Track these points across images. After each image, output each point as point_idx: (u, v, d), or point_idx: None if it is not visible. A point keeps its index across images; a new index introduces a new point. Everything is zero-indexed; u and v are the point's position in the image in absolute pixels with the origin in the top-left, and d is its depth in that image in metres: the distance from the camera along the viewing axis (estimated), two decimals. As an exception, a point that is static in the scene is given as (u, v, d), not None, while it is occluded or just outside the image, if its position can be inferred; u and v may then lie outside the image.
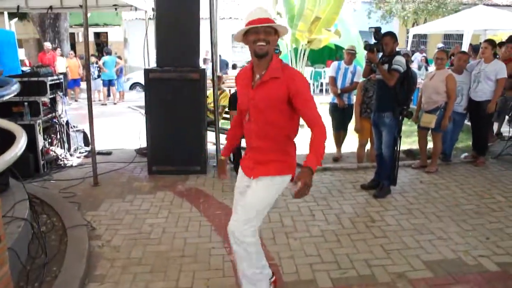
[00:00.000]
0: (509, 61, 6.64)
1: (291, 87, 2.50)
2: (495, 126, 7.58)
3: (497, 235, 4.03)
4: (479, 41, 16.46)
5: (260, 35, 2.48)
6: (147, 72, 5.62)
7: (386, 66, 4.73)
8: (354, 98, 6.40)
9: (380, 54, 4.91)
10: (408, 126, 7.55)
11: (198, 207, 4.64)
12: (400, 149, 6.61)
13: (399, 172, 5.38)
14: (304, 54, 9.29)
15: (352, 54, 6.47)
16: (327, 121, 6.69)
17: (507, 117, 7.16)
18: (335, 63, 6.72)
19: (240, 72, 2.83)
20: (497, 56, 6.37)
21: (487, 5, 16.80)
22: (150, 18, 7.70)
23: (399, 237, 3.96)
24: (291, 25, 9.40)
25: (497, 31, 13.48)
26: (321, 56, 15.96)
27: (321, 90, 16.01)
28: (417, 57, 14.56)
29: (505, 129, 7.69)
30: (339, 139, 6.74)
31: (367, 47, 4.79)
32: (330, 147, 6.79)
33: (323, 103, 7.79)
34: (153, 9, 7.72)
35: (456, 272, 3.37)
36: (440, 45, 19.54)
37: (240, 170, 2.90)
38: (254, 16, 2.51)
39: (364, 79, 5.78)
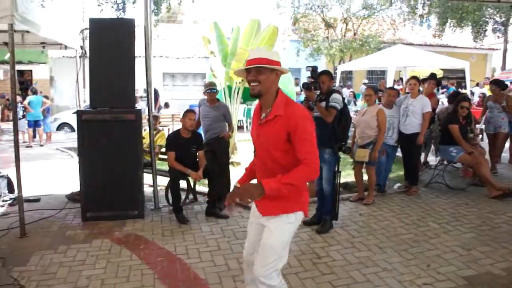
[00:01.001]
0: (431, 96, 7.11)
1: (290, 124, 2.50)
2: (422, 156, 8.00)
3: (436, 261, 4.18)
4: (399, 77, 17.64)
5: (251, 75, 2.55)
6: (79, 113, 5.38)
7: (323, 104, 4.87)
8: None
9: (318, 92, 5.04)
10: (342, 160, 7.75)
11: (138, 255, 4.40)
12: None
13: (339, 206, 5.47)
14: (238, 92, 9.37)
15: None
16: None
17: (432, 146, 7.58)
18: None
19: (254, 109, 2.85)
20: (420, 91, 6.79)
21: (404, 43, 18.06)
22: (80, 56, 7.46)
23: (346, 272, 3.98)
24: (225, 63, 9.48)
25: (415, 67, 14.50)
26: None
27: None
28: (345, 92, 15.22)
29: (431, 158, 8.15)
30: None
31: (305, 85, 4.91)
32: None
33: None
34: (82, 47, 7.52)
35: (404, 303, 3.44)
36: (365, 81, 20.71)
37: (253, 204, 2.86)
38: (251, 56, 2.58)
39: None
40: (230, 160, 8.72)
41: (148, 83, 5.82)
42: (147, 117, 6.33)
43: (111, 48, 5.32)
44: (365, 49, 20.31)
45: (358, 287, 3.70)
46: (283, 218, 2.62)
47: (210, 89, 6.16)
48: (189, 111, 5.82)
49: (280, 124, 2.53)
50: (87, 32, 6.79)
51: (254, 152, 2.84)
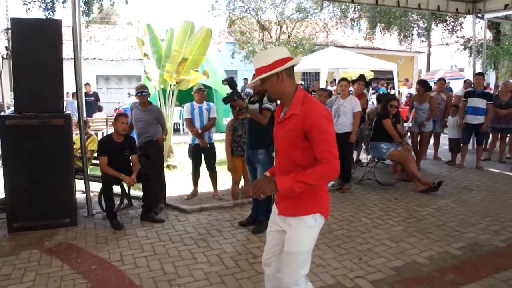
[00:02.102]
0: (361, 96, 7.40)
1: (306, 122, 2.44)
2: (355, 154, 8.31)
3: (367, 255, 4.36)
4: (333, 78, 18.20)
5: (261, 86, 2.59)
6: (3, 118, 5.09)
7: (257, 105, 4.92)
8: (214, 136, 6.59)
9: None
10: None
11: (70, 264, 4.23)
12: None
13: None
14: (172, 94, 9.28)
15: (201, 93, 6.64)
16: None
17: (363, 145, 7.89)
18: (188, 104, 6.80)
19: (276, 108, 2.80)
20: (350, 92, 7.05)
21: (336, 46, 18.66)
22: (4, 57, 7.08)
23: (281, 269, 4.05)
24: (159, 66, 9.36)
25: (347, 69, 15.04)
26: (190, 96, 16.07)
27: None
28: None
29: (363, 156, 8.48)
30: (197, 180, 6.85)
31: (226, 100, 4.87)
32: (188, 186, 6.89)
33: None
34: (6, 48, 7.14)
35: (336, 296, 3.55)
36: (301, 82, 21.13)
37: (274, 205, 2.84)
38: (254, 65, 2.57)
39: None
40: (166, 164, 8.63)
41: (78, 87, 5.62)
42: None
43: (36, 49, 5.07)
44: (299, 51, 20.78)
45: (293, 283, 3.77)
46: (300, 223, 2.55)
47: (141, 92, 6.05)
48: (121, 115, 5.69)
49: (296, 122, 2.48)
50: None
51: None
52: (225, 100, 4.85)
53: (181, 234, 5.02)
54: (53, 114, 5.20)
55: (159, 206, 5.87)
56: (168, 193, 6.53)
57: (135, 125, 6.14)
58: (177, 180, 7.67)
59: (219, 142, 7.61)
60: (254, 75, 2.64)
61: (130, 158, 5.66)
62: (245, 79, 16.63)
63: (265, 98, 4.89)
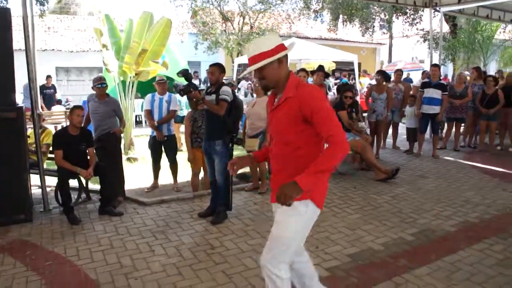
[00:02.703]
0: (320, 86, 7.48)
1: (305, 107, 2.41)
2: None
3: (324, 243, 4.44)
4: (295, 69, 18.28)
5: (255, 75, 2.53)
6: (-51, 112, 4.90)
7: (213, 96, 4.91)
8: (174, 128, 6.55)
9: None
10: (239, 151, 7.91)
11: (23, 261, 4.11)
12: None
13: (234, 196, 5.58)
14: (132, 86, 9.13)
15: (163, 84, 6.60)
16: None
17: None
18: (149, 95, 6.77)
19: (268, 97, 2.74)
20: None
21: (299, 37, 18.76)
22: None
23: (239, 260, 4.08)
24: (118, 57, 9.18)
25: (310, 60, 15.15)
26: (151, 87, 15.86)
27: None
28: (244, 85, 15.44)
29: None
30: (157, 172, 6.81)
31: (182, 92, 4.89)
32: (149, 178, 6.84)
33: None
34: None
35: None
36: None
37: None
38: (247, 54, 2.50)
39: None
40: (127, 156, 8.54)
41: (30, 79, 5.46)
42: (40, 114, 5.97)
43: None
44: (262, 43, 20.73)
45: (251, 273, 3.81)
46: (289, 208, 2.44)
47: (100, 83, 5.95)
48: (76, 107, 5.58)
49: (291, 105, 2.45)
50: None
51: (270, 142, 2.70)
52: (181, 92, 4.83)
53: (140, 227, 4.98)
54: (5, 107, 5.04)
55: (118, 199, 5.80)
56: (128, 186, 6.47)
57: (92, 118, 6.02)
58: (138, 173, 7.59)
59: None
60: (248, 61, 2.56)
61: (87, 151, 5.55)
62: (196, 72, 16.31)
63: (222, 89, 4.89)
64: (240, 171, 7.42)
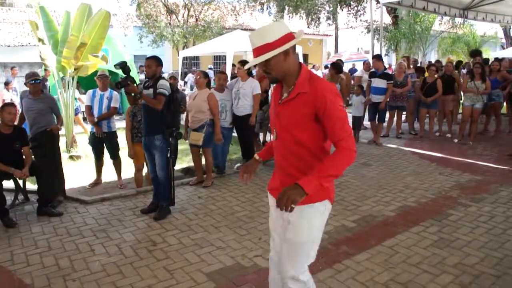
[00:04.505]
0: (263, 78, 7.49)
1: (317, 101, 2.22)
2: (261, 136, 8.44)
3: (268, 234, 4.44)
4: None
5: (260, 67, 2.32)
6: None
7: (151, 90, 4.81)
8: (115, 125, 6.40)
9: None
10: (186, 145, 7.83)
11: (-49, 269, 3.89)
12: (179, 168, 6.87)
13: (178, 191, 5.52)
14: (72, 82, 8.79)
15: (104, 79, 6.44)
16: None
17: (269, 126, 8.04)
18: (90, 91, 6.59)
19: (274, 88, 2.52)
20: (253, 75, 7.12)
21: (245, 29, 18.73)
22: None
23: (181, 255, 4.03)
24: (55, 51, 8.79)
25: (256, 51, 15.13)
26: (94, 82, 15.38)
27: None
28: (190, 78, 15.27)
29: (269, 137, 8.65)
30: (100, 168, 6.67)
31: (119, 85, 4.77)
32: (92, 176, 6.68)
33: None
34: None
35: (235, 276, 3.61)
36: (211, 66, 21.03)
37: (269, 195, 2.63)
38: (251, 45, 2.27)
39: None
40: (70, 154, 8.24)
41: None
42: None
43: None
44: (208, 35, 20.59)
45: (192, 268, 3.77)
46: (306, 210, 2.34)
47: (34, 79, 5.68)
48: (7, 105, 5.32)
49: (304, 101, 2.26)
50: None
51: (274, 135, 2.50)
52: (118, 85, 4.70)
53: (80, 226, 4.82)
54: None
55: (58, 199, 5.58)
56: (71, 185, 6.26)
57: (27, 115, 5.75)
58: (81, 171, 7.35)
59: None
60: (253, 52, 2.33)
61: (22, 150, 5.30)
62: (141, 66, 15.57)
63: (159, 83, 4.80)
64: (184, 165, 7.40)
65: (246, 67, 2.80)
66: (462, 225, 4.60)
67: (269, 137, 8.27)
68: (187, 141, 6.35)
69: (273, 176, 2.61)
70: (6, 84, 12.12)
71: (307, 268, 2.48)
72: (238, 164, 7.16)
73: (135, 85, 4.78)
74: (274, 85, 2.51)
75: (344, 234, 4.43)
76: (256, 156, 2.75)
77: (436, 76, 9.48)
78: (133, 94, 4.92)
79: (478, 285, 3.40)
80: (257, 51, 2.26)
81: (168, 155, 4.97)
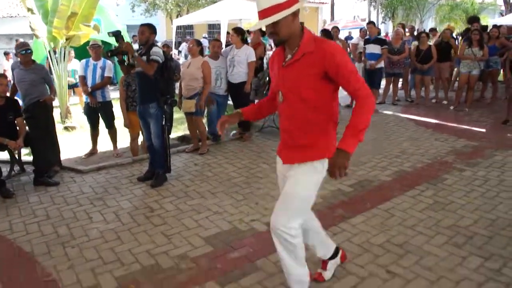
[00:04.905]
0: (258, 45, 7.41)
1: (329, 63, 2.26)
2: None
3: (265, 199, 4.49)
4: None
5: (268, 29, 2.29)
6: None
7: (144, 58, 4.75)
8: (109, 95, 6.34)
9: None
10: (181, 114, 7.79)
11: (-51, 238, 3.90)
12: (174, 136, 6.86)
13: (174, 158, 5.51)
14: (64, 52, 8.66)
15: (97, 48, 6.35)
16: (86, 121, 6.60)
17: (264, 93, 7.99)
18: (83, 61, 6.52)
19: (273, 54, 2.53)
20: (248, 42, 7.02)
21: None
22: None
23: (178, 220, 4.07)
24: (46, 21, 8.61)
25: (250, 20, 14.91)
26: (87, 52, 15.17)
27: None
28: (184, 47, 15.08)
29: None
30: (96, 138, 6.64)
31: (110, 53, 4.80)
32: (88, 146, 6.67)
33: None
34: None
35: (233, 240, 3.64)
36: (205, 34, 20.73)
37: (277, 157, 2.69)
38: (258, 7, 2.26)
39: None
40: (65, 125, 8.21)
41: None
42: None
43: None
44: (201, 3, 20.26)
45: (190, 232, 3.81)
46: (308, 166, 2.45)
47: (25, 49, 5.58)
48: (-1, 76, 5.23)
49: (311, 61, 2.30)
50: None
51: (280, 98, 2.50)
52: (110, 54, 4.65)
53: (77, 195, 4.83)
54: None
55: (54, 169, 5.58)
56: (66, 155, 6.25)
57: (19, 87, 5.68)
58: (77, 142, 7.33)
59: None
60: (258, 14, 2.32)
61: (15, 121, 5.26)
62: (135, 36, 15.21)
63: (152, 50, 4.74)
64: (180, 133, 7.39)
65: (254, 28, 2.79)
66: (457, 188, 4.64)
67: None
68: (182, 110, 6.32)
69: (280, 141, 2.66)
70: (6, 54, 11.97)
71: (299, 227, 2.53)
72: (234, 132, 7.15)
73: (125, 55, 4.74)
74: (275, 49, 2.52)
75: (340, 198, 4.46)
76: (239, 110, 2.75)
77: (430, 43, 9.40)
78: (125, 59, 4.86)
79: (471, 245, 3.45)
80: (265, 13, 2.26)
81: (163, 122, 4.94)
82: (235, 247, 3.53)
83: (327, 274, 2.98)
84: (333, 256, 2.96)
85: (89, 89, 6.26)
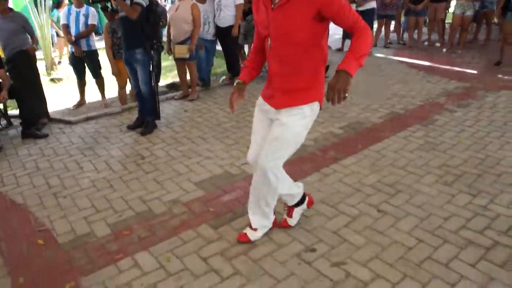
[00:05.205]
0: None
1: (322, 5, 2.17)
2: (246, 48, 8.22)
3: (256, 143, 4.46)
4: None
5: None
6: None
7: (128, 2, 4.56)
8: (94, 43, 6.15)
9: None
10: (170, 61, 7.63)
11: None
12: (164, 83, 6.75)
13: (164, 105, 5.44)
14: (45, 1, 8.35)
15: None
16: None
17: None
18: (65, 8, 6.25)
19: None
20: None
21: None
22: None
23: (169, 166, 4.06)
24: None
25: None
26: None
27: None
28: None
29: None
30: (83, 88, 6.49)
31: (92, 1, 4.68)
32: (75, 97, 6.56)
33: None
34: None
35: (224, 184, 3.65)
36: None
37: (260, 99, 2.64)
38: None
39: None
40: (51, 77, 8.04)
41: None
42: None
43: None
44: None
45: (181, 178, 3.81)
46: (296, 111, 2.43)
47: None
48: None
49: (301, 2, 2.21)
50: None
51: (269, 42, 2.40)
52: (92, 0, 4.47)
53: (66, 146, 4.78)
54: None
55: (42, 121, 5.49)
56: (54, 107, 6.15)
57: (-2, 37, 5.48)
58: (64, 93, 7.20)
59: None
60: None
61: (-3, 73, 5.11)
62: None
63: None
64: (169, 81, 7.26)
65: None
66: (447, 129, 4.64)
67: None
68: (170, 56, 6.17)
69: (267, 85, 2.57)
70: None
71: (282, 171, 2.61)
72: (223, 77, 7.05)
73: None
74: None
75: (331, 141, 4.45)
76: (239, 80, 2.64)
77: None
78: (108, 5, 4.68)
79: (460, 183, 3.48)
80: None
81: (151, 68, 4.83)
82: (226, 190, 3.54)
83: (292, 222, 2.97)
84: (299, 203, 2.95)
85: (73, 38, 6.06)
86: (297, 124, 2.45)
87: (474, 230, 2.87)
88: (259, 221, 2.82)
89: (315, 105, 2.47)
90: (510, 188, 3.39)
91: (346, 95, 2.09)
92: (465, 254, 2.63)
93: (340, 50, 9.23)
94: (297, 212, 2.97)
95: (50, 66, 8.55)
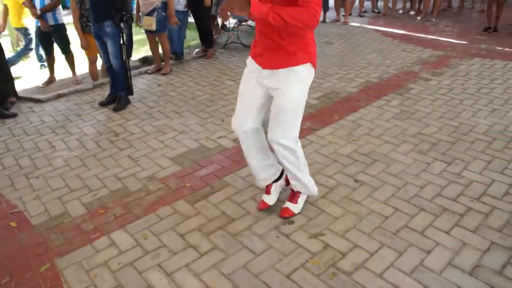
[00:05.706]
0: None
1: None
2: (220, 20, 8.07)
3: (230, 115, 4.36)
4: None
5: None
6: None
7: None
8: (61, 17, 5.91)
9: None
10: (142, 35, 7.42)
11: None
12: (136, 58, 6.58)
13: (136, 80, 5.32)
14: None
15: None
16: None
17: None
18: None
19: None
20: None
21: None
22: None
23: (144, 142, 3.99)
24: None
25: None
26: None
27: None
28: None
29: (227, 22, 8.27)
30: (52, 65, 6.26)
31: None
32: (44, 73, 6.36)
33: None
34: None
35: (200, 158, 3.62)
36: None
37: (249, 59, 2.53)
38: None
39: None
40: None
41: None
42: None
43: None
44: None
45: (156, 154, 3.75)
46: (292, 75, 2.36)
47: None
48: None
49: None
50: None
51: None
52: None
53: (37, 125, 4.63)
54: None
55: (10, 100, 5.28)
56: (23, 86, 5.95)
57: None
58: (32, 71, 6.95)
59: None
60: None
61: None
62: None
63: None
64: (141, 55, 7.09)
65: None
66: (422, 98, 4.67)
67: (228, 22, 7.92)
68: (141, 28, 5.99)
69: (255, 43, 2.50)
70: None
71: (297, 137, 2.54)
72: (197, 50, 6.91)
73: None
74: None
75: (307, 111, 4.37)
76: None
77: None
78: None
79: (435, 151, 3.53)
80: None
81: (121, 42, 4.67)
82: (202, 165, 3.51)
83: (272, 198, 2.90)
84: (277, 179, 2.91)
85: (39, 12, 5.79)
86: (297, 89, 2.40)
87: (448, 197, 2.92)
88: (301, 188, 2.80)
89: (309, 66, 2.41)
90: (483, 155, 3.45)
91: (229, 14, 2.11)
92: (440, 222, 2.68)
93: (323, 21, 9.10)
94: (275, 188, 2.92)
95: (16, 42, 8.21)
